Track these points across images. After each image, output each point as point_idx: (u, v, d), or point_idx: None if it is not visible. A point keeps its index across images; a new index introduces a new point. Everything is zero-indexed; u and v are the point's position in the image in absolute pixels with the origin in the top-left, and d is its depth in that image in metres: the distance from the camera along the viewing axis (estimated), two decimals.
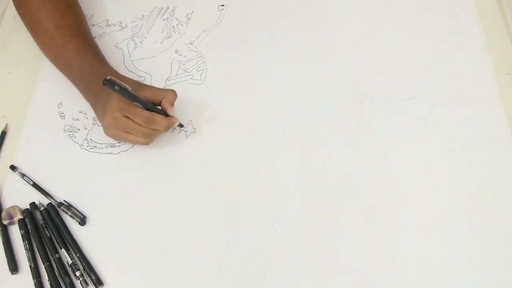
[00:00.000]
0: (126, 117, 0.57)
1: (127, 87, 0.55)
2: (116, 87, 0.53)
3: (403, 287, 0.53)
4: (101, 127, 0.61)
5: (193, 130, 0.64)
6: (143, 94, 0.58)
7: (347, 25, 0.72)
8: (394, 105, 0.65)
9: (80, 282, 0.54)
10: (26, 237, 0.56)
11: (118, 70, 0.68)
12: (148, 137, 0.60)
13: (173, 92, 0.60)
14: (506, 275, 0.54)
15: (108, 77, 0.52)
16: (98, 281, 0.53)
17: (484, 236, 0.56)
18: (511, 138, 0.62)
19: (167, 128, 0.60)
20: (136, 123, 0.57)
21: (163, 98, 0.59)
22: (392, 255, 0.55)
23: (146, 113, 0.57)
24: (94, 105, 0.63)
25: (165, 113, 0.59)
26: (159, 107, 0.60)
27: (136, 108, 0.57)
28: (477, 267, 0.54)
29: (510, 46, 0.70)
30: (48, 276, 0.54)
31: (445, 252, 0.55)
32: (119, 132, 0.59)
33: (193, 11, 0.75)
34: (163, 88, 0.60)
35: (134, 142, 0.61)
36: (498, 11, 0.73)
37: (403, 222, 0.57)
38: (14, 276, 0.55)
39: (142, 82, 0.68)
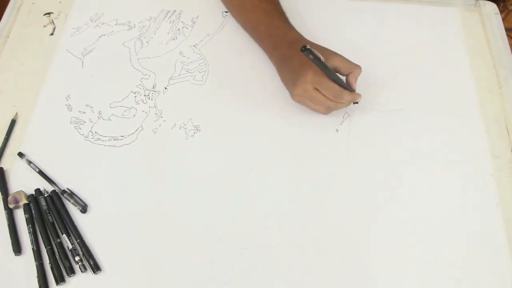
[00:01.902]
0: (316, 89, 0.60)
1: (321, 57, 0.56)
2: (311, 56, 0.55)
3: (388, 283, 0.56)
4: (105, 118, 0.63)
5: (193, 128, 0.65)
6: (332, 63, 0.60)
7: (343, 37, 0.74)
8: (383, 115, 0.67)
9: (79, 267, 0.55)
10: (30, 221, 0.57)
11: (124, 67, 0.70)
12: (329, 110, 0.63)
13: (360, 69, 0.62)
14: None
15: (308, 46, 0.54)
16: (96, 267, 0.55)
17: (461, 246, 0.58)
18: (489, 151, 0.64)
19: (350, 103, 0.63)
20: (325, 96, 0.60)
21: (350, 73, 0.61)
22: (377, 255, 0.57)
23: (336, 88, 0.60)
24: (280, 68, 0.66)
25: (348, 86, 0.62)
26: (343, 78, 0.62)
27: (328, 82, 0.59)
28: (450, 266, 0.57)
29: (491, 66, 0.72)
30: (49, 259, 0.55)
31: (422, 256, 0.58)
32: (304, 100, 0.62)
33: (198, 16, 0.76)
34: (351, 62, 0.62)
35: (315, 111, 0.64)
36: (482, 33, 0.75)
37: (388, 224, 0.59)
38: (17, 257, 0.55)
39: (146, 79, 0.69)
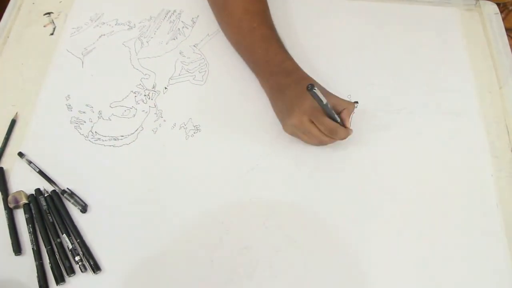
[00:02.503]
0: (311, 122, 0.58)
1: (324, 100, 0.55)
2: (315, 97, 0.54)
3: (388, 282, 0.56)
4: (105, 117, 0.62)
5: (193, 128, 0.65)
6: (328, 101, 0.57)
7: (344, 38, 0.74)
8: (383, 115, 0.67)
9: (79, 267, 0.55)
10: (30, 221, 0.57)
11: (124, 67, 0.70)
12: (321, 143, 0.62)
13: (353, 105, 0.60)
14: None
15: (314, 87, 0.52)
16: (96, 267, 0.55)
17: (461, 246, 0.58)
18: (489, 151, 0.65)
19: (343, 139, 0.61)
20: (319, 130, 0.59)
21: (344, 109, 0.59)
22: (377, 255, 0.57)
23: (332, 124, 0.58)
24: (274, 97, 0.63)
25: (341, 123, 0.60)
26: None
27: (324, 117, 0.58)
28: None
29: (491, 66, 0.72)
30: (49, 259, 0.55)
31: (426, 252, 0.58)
32: (297, 131, 0.61)
33: (198, 16, 0.76)
34: (345, 100, 0.60)
35: (307, 142, 0.63)
36: (482, 33, 0.75)
37: (388, 224, 0.59)
38: (17, 257, 0.56)
39: (146, 79, 0.70)
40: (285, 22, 0.75)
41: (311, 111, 0.58)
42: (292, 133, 0.62)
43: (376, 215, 0.60)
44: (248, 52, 0.66)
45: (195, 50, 0.73)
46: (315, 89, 0.53)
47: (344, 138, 0.61)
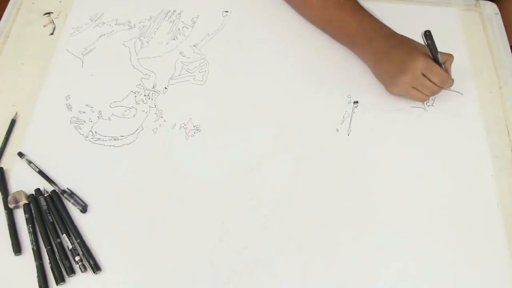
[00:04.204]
0: (423, 75, 0.62)
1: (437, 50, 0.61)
2: (429, 42, 0.60)
3: (388, 282, 0.56)
4: (105, 117, 0.62)
5: (193, 128, 0.65)
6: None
7: None
8: (383, 114, 0.67)
9: (79, 267, 0.55)
10: (30, 221, 0.57)
11: (124, 67, 0.70)
12: (432, 95, 0.65)
13: (453, 56, 0.64)
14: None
15: (430, 32, 0.59)
16: (96, 267, 0.55)
17: (461, 246, 0.58)
18: (489, 151, 0.65)
19: (450, 87, 0.65)
20: (432, 82, 0.62)
21: (446, 60, 0.64)
22: (377, 254, 0.57)
23: (444, 74, 0.62)
24: (378, 61, 0.66)
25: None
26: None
27: (438, 68, 0.62)
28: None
29: (492, 66, 0.72)
30: (49, 259, 0.55)
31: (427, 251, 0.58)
32: (409, 88, 0.64)
33: (198, 16, 0.76)
34: (443, 52, 0.64)
35: (415, 98, 0.66)
36: (482, 33, 0.75)
37: (388, 224, 0.59)
38: (17, 257, 0.56)
39: (146, 79, 0.69)
40: (286, 22, 0.76)
41: (424, 64, 0.61)
42: (402, 91, 0.65)
43: (376, 215, 0.60)
44: (341, 27, 0.69)
45: (195, 50, 0.73)
46: (429, 33, 0.60)
47: (450, 86, 0.64)
